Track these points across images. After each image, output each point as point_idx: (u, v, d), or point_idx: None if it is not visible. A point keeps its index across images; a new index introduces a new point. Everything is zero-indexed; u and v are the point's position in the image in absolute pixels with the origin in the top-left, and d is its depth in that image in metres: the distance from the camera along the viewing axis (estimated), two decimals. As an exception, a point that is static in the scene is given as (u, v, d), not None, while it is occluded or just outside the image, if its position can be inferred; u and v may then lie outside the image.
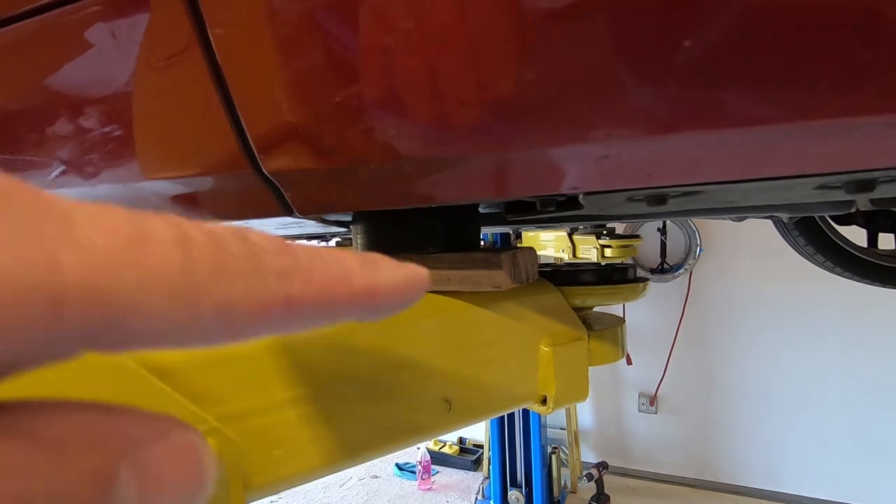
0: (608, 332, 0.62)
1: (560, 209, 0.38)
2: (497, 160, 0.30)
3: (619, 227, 2.95)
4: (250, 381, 0.37)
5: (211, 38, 0.31)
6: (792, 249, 2.36)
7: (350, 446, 0.42)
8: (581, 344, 0.58)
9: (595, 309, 0.69)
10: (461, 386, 0.49)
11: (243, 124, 0.34)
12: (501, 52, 0.26)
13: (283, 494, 3.59)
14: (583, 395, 0.57)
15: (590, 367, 0.61)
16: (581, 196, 0.33)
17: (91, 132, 0.40)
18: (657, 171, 0.27)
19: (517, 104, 0.27)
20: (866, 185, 0.29)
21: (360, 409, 0.42)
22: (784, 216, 0.60)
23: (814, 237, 2.19)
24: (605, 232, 2.41)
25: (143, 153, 0.39)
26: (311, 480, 0.41)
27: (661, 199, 0.32)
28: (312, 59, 0.32)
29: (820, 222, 2.09)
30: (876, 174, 0.27)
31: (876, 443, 3.05)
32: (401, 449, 0.46)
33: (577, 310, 0.60)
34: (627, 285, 0.60)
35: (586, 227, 2.23)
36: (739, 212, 0.55)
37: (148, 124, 0.37)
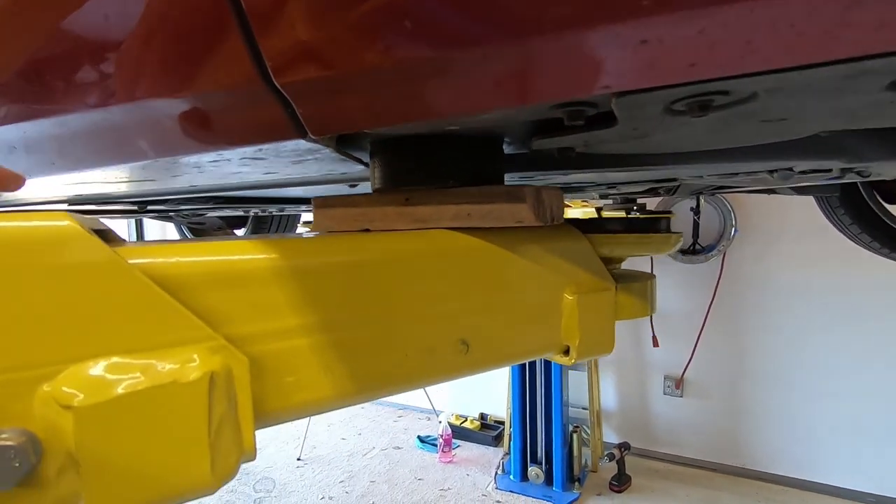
0: (637, 286, 0.59)
1: (591, 126, 0.34)
2: (519, 55, 0.27)
3: (651, 205, 2.85)
4: (261, 304, 0.36)
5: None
6: (831, 234, 2.24)
7: (362, 380, 0.40)
8: (608, 295, 0.55)
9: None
10: (479, 328, 0.47)
11: (254, 32, 0.32)
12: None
13: (308, 460, 3.70)
14: (608, 348, 0.55)
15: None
16: (614, 102, 0.30)
17: (97, 51, 0.39)
18: (704, 59, 0.24)
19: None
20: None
21: (373, 343, 0.41)
22: (837, 165, 0.55)
23: (860, 215, 2.07)
24: (635, 207, 2.34)
25: (151, 69, 0.37)
26: (324, 412, 0.40)
27: (704, 106, 0.28)
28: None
29: (866, 198, 1.97)
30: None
31: (916, 434, 2.92)
32: (415, 388, 0.45)
33: (606, 261, 0.57)
34: (658, 235, 0.57)
35: (616, 200, 2.16)
36: (788, 156, 0.49)
37: (154, 38, 0.36)
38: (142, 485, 0.29)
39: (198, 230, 3.32)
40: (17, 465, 0.26)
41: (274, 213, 2.75)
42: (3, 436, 0.26)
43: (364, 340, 0.41)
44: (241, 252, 0.36)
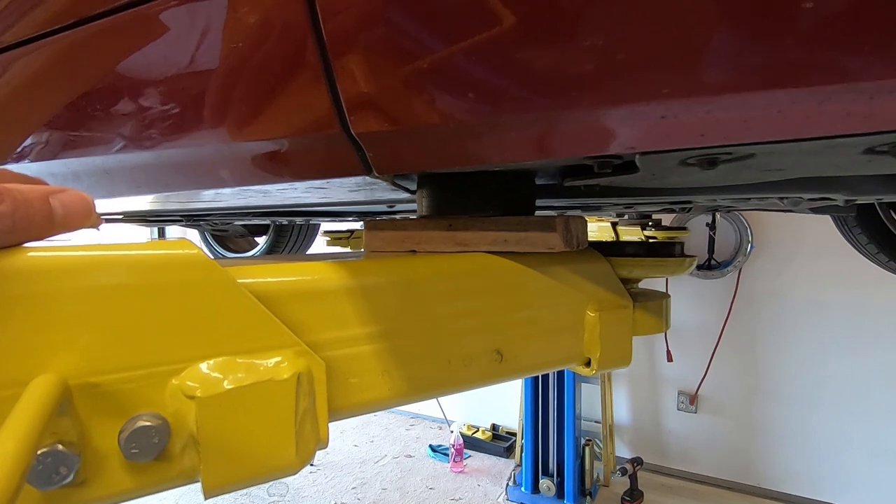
0: (653, 304, 0.64)
1: (616, 172, 0.41)
2: (562, 121, 0.34)
3: (666, 220, 2.89)
4: (334, 315, 0.42)
5: (317, 5, 0.36)
6: (849, 251, 2.26)
7: (413, 383, 0.47)
8: (626, 312, 0.61)
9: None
10: (512, 340, 0.53)
11: (338, 87, 0.39)
12: (567, 17, 0.30)
13: (321, 465, 3.76)
14: (626, 361, 0.60)
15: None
16: (637, 158, 0.36)
17: (205, 100, 0.46)
18: (711, 131, 0.30)
19: (585, 70, 0.31)
20: (914, 149, 0.30)
21: (422, 350, 0.48)
22: (840, 198, 0.60)
23: (876, 234, 2.09)
24: (650, 223, 2.38)
25: (249, 118, 0.45)
26: (381, 409, 0.46)
27: (712, 162, 0.35)
28: (403, 24, 0.36)
29: (884, 218, 1.99)
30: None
31: (935, 457, 2.89)
32: (456, 392, 0.51)
33: (625, 281, 0.63)
34: (673, 259, 0.63)
35: (632, 216, 2.21)
36: (792, 190, 0.55)
37: (256, 93, 0.43)
38: (245, 462, 0.36)
39: (220, 236, 3.44)
40: (156, 441, 0.33)
41: (296, 223, 2.85)
42: (144, 418, 0.33)
43: (415, 348, 0.47)
44: (318, 272, 0.43)
